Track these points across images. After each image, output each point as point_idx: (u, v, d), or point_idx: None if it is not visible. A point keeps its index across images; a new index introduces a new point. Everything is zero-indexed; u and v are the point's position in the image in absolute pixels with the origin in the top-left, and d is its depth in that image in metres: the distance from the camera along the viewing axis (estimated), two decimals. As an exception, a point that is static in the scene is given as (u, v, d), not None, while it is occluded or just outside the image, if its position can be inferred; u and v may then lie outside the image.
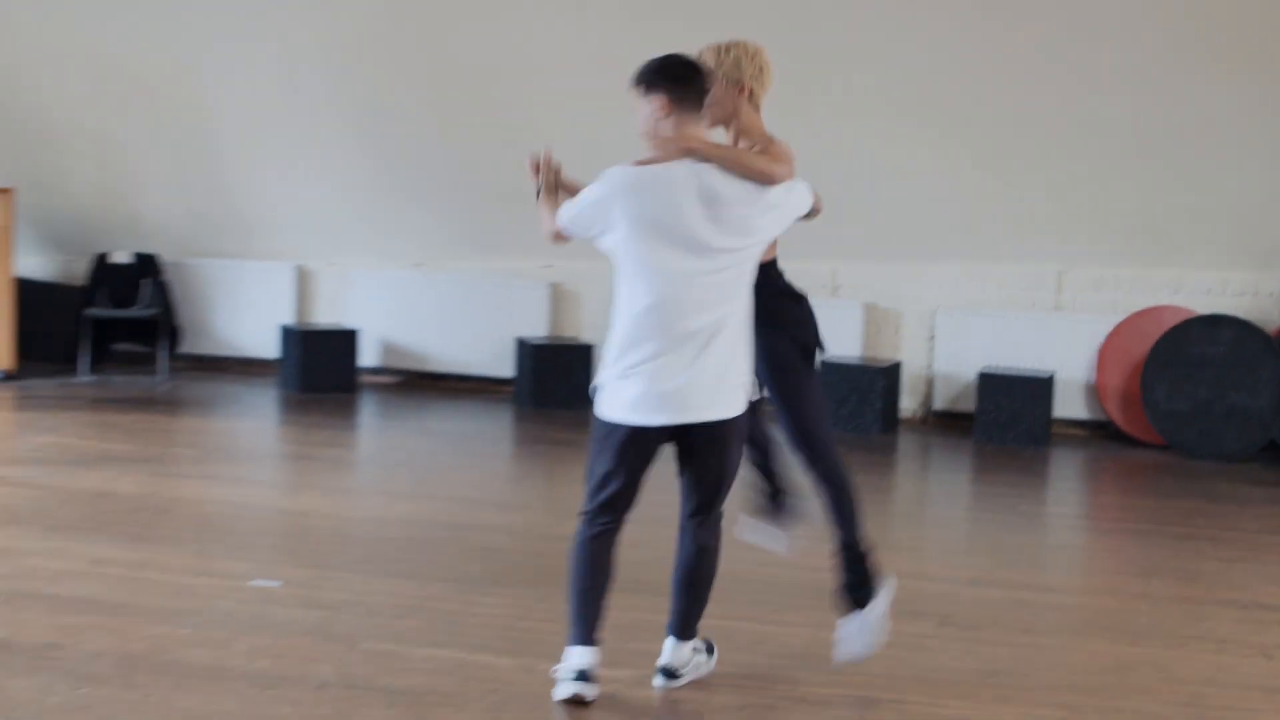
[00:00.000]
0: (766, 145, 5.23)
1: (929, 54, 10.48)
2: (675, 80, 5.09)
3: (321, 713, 4.95)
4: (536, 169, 5.47)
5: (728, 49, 5.53)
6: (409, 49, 11.26)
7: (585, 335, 12.22)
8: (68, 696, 5.00)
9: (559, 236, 5.26)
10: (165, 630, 5.76)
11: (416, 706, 5.03)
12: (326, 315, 13.00)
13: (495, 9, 10.85)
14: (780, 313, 5.45)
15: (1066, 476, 10.31)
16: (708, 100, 5.16)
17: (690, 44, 10.76)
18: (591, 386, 5.19)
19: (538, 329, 12.30)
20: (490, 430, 10.97)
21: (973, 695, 5.39)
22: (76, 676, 5.20)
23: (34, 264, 13.38)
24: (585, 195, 5.11)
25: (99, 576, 6.48)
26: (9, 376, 11.86)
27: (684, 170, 4.96)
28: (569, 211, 5.15)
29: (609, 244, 5.03)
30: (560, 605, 6.02)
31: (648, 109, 5.09)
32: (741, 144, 5.33)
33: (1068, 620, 6.54)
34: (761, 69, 5.50)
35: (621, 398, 4.96)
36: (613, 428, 5.00)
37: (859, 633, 5.61)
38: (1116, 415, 11.28)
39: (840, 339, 11.65)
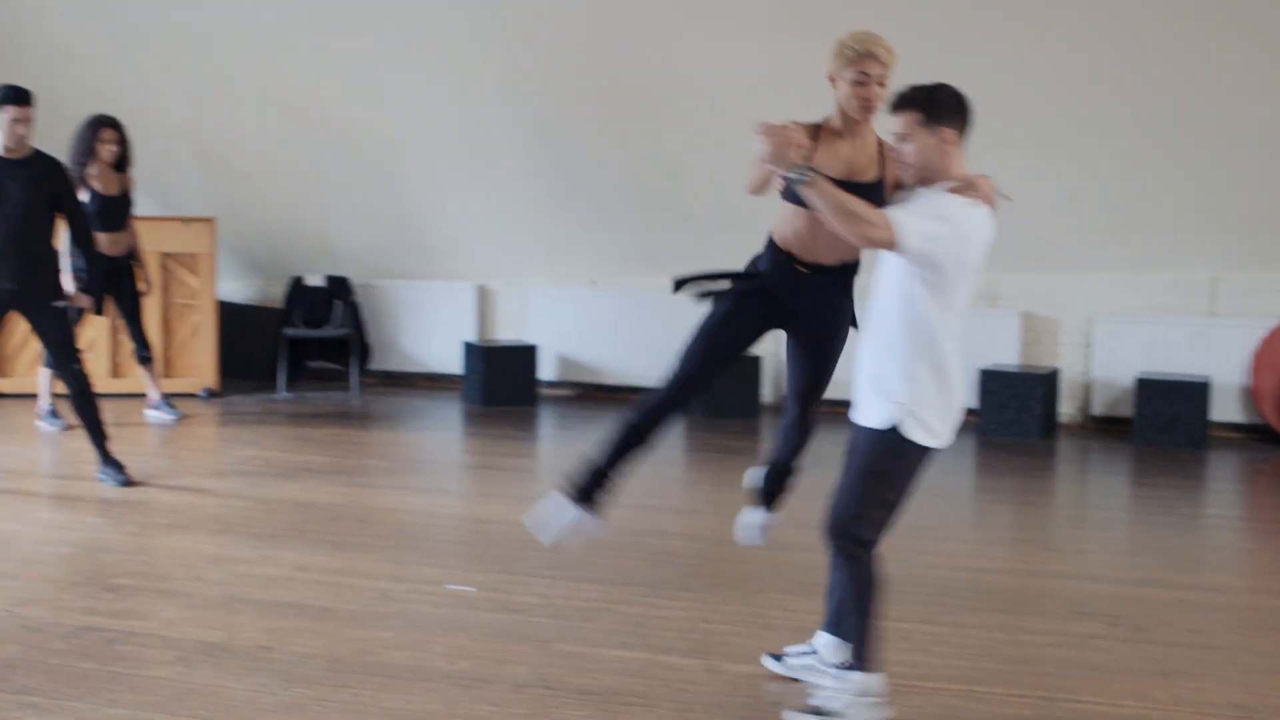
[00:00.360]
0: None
1: (1083, 66, 10.30)
2: (964, 113, 4.77)
3: (520, 712, 4.96)
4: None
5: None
6: (581, 74, 11.30)
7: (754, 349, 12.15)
8: (282, 696, 5.06)
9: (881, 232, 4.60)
10: (369, 633, 5.82)
11: (609, 706, 5.03)
12: (506, 332, 13.09)
13: (665, 33, 10.85)
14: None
15: (1225, 479, 10.06)
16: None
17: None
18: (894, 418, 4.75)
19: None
20: (663, 440, 10.93)
21: (1147, 695, 5.27)
22: (289, 678, 5.26)
23: (234, 288, 13.63)
24: (943, 227, 4.63)
25: (305, 583, 6.56)
26: (213, 394, 12.08)
27: (985, 212, 4.81)
28: (923, 229, 4.59)
29: (934, 276, 4.66)
30: (740, 609, 6.02)
31: (929, 140, 4.70)
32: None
33: (1236, 621, 6.37)
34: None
35: (935, 424, 4.73)
36: (922, 453, 4.76)
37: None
38: (1272, 418, 11.00)
39: (999, 347, 11.52)
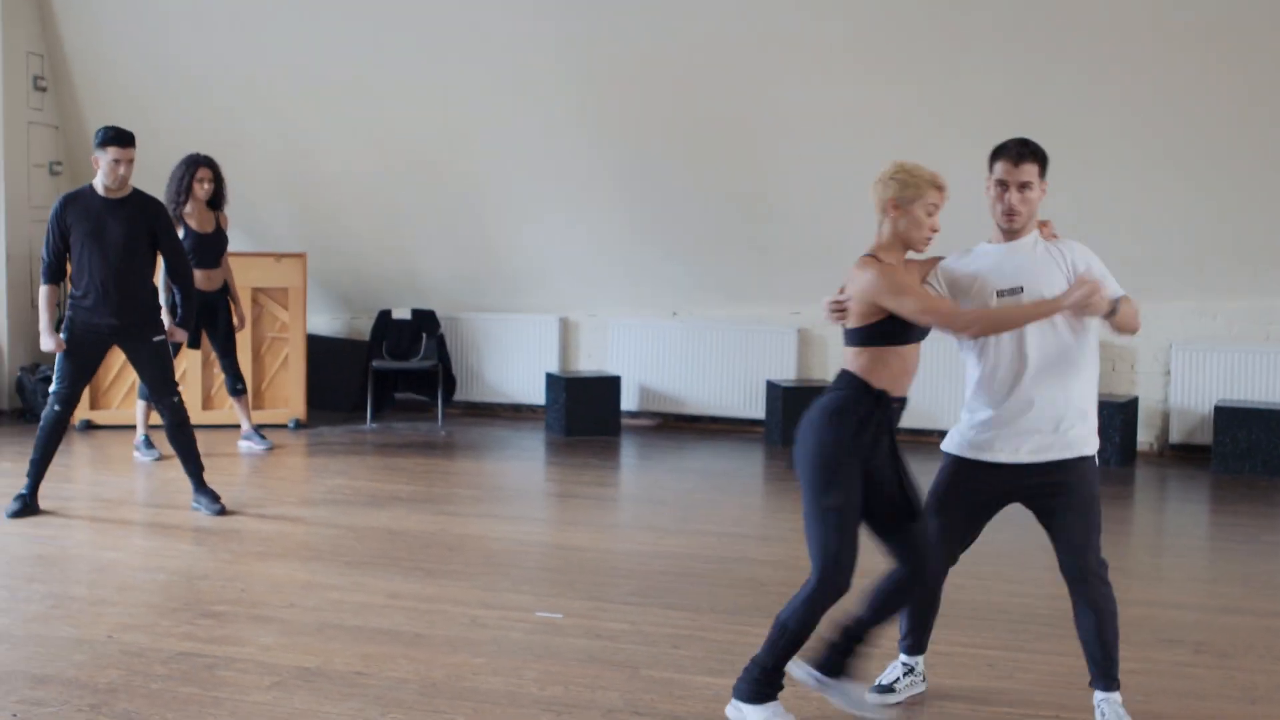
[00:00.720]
0: None
1: (1158, 95, 10.25)
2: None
3: (611, 737, 4.97)
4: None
5: None
6: (663, 108, 11.34)
7: (831, 376, 12.14)
8: (378, 721, 5.10)
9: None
10: (461, 659, 5.84)
11: (700, 731, 5.03)
12: (588, 363, 13.11)
13: (745, 67, 10.89)
14: None
15: (1306, 505, 9.95)
16: None
17: (939, 100, 10.74)
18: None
19: (786, 371, 12.26)
20: (744, 468, 10.94)
21: (1235, 721, 5.23)
22: (383, 703, 5.28)
23: (323, 321, 13.73)
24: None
25: (397, 609, 6.59)
26: (301, 425, 12.16)
27: None
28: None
29: None
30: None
31: (1039, 193, 5.17)
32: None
33: (1322, 647, 6.30)
34: None
35: None
36: None
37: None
38: (1352, 445, 10.88)
39: (1077, 376, 11.41)
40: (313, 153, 12.52)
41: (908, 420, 11.39)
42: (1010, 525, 8.63)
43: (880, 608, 5.16)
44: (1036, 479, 5.16)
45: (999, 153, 5.19)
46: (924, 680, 5.58)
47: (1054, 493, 5.10)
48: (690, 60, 11.00)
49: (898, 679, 5.53)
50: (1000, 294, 5.06)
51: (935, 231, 5.09)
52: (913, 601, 5.32)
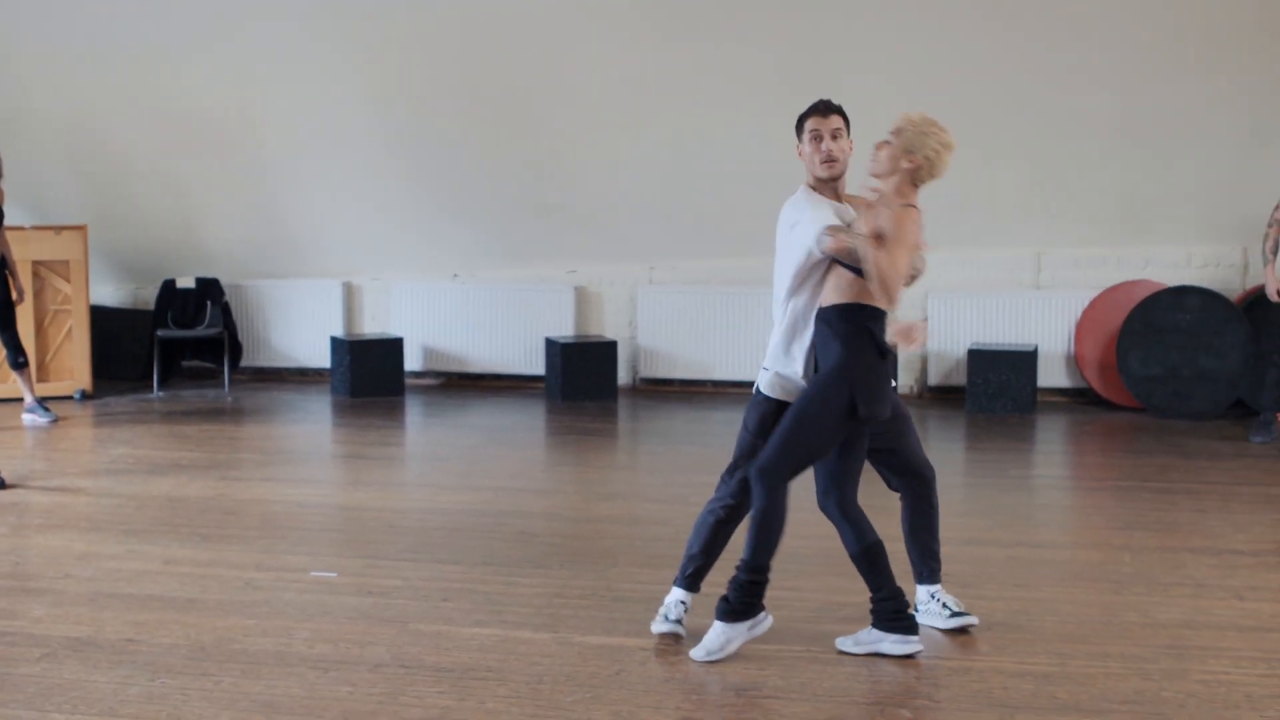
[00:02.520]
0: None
1: (919, 55, 10.43)
2: None
3: (377, 692, 4.92)
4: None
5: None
6: (444, 75, 11.21)
7: (609, 333, 12.19)
8: (145, 687, 4.99)
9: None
10: (233, 622, 5.74)
11: (463, 681, 5.01)
12: (372, 326, 12.97)
13: (525, 32, 10.80)
14: None
15: (1052, 440, 10.23)
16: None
17: (715, 67, 10.80)
18: None
19: (565, 329, 12.26)
20: (525, 423, 10.92)
21: (972, 648, 5.36)
22: (153, 669, 5.18)
23: (107, 292, 13.39)
24: None
25: (172, 575, 6.46)
26: (87, 396, 11.85)
27: None
28: None
29: None
30: (592, 583, 6.02)
31: (848, 146, 5.52)
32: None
33: (1058, 573, 6.48)
34: None
35: None
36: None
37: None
38: (1095, 382, 11.21)
39: (840, 325, 11.60)
40: (93, 124, 12.14)
41: (681, 371, 11.39)
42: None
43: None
44: None
45: (808, 112, 5.51)
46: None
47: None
48: (470, 26, 10.87)
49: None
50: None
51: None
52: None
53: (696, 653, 5.23)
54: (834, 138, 5.42)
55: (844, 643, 5.35)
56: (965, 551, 6.81)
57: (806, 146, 5.44)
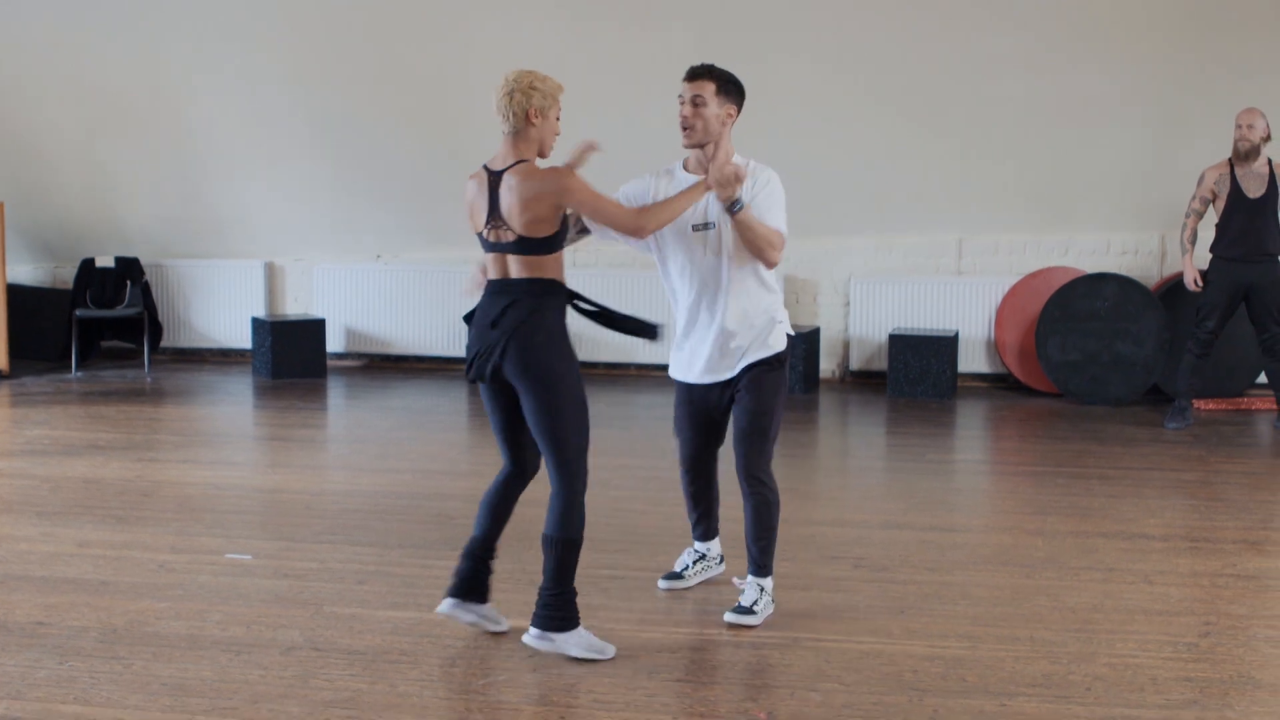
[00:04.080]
0: None
1: (836, 46, 10.48)
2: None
3: (289, 675, 4.90)
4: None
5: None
6: (364, 56, 11.18)
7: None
8: (54, 670, 4.95)
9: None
10: (146, 605, 5.70)
11: (375, 664, 5.00)
12: (294, 307, 12.90)
13: (446, 17, 10.77)
14: None
15: (971, 425, 10.31)
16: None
17: (632, 48, 10.80)
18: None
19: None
20: (446, 405, 10.89)
21: (884, 631, 5.39)
22: (63, 651, 5.14)
23: (24, 270, 13.24)
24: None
25: (85, 558, 6.41)
26: (3, 376, 11.72)
27: None
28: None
29: None
30: (509, 565, 6.01)
31: (717, 111, 5.44)
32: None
33: (970, 557, 6.53)
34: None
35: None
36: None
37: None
38: (1015, 368, 11.31)
39: (763, 309, 11.65)
40: (11, 100, 12.00)
41: (606, 354, 11.40)
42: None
43: (500, 516, 5.33)
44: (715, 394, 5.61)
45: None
46: (720, 562, 6.01)
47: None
48: (390, 7, 10.83)
49: (687, 566, 5.94)
50: (695, 228, 5.41)
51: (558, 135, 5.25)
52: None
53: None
54: (693, 104, 5.40)
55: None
56: (880, 535, 6.88)
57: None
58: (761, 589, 5.48)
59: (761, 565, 5.50)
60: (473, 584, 5.27)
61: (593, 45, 10.75)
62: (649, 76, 10.79)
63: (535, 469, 5.37)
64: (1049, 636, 5.34)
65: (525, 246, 5.02)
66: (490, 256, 5.13)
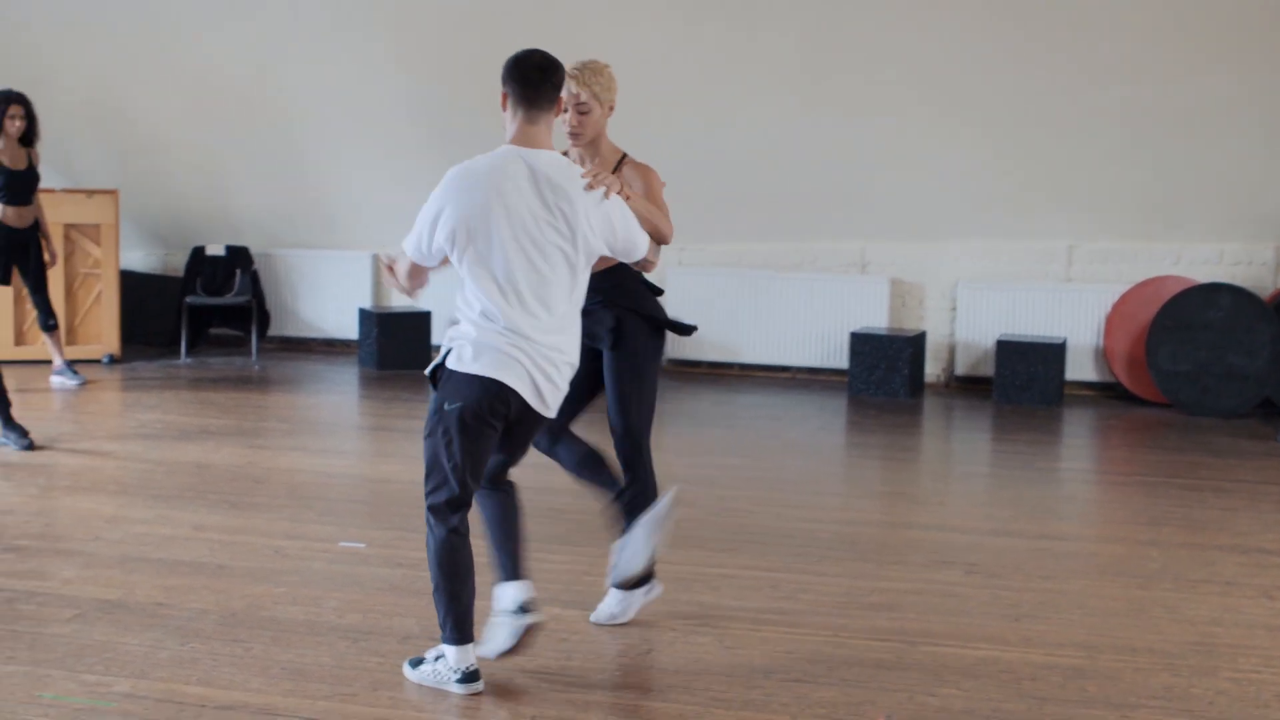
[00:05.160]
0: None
1: (946, 50, 10.39)
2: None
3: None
4: None
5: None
6: (471, 46, 11.13)
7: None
8: (176, 651, 5.01)
9: None
10: (263, 589, 5.76)
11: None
12: (400, 298, 12.98)
13: (553, 11, 10.78)
14: None
15: (1078, 434, 10.21)
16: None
17: (741, 50, 10.72)
18: None
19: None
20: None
21: (1000, 638, 5.34)
22: (183, 633, 5.20)
23: (137, 257, 13.43)
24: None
25: (201, 541, 6.49)
26: (115, 360, 11.90)
27: None
28: None
29: None
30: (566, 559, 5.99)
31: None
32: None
33: (1083, 566, 6.46)
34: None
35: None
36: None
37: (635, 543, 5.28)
38: (1123, 377, 11.17)
39: (869, 311, 11.60)
40: (127, 90, 12.17)
41: (709, 353, 11.40)
42: (800, 455, 8.78)
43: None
44: None
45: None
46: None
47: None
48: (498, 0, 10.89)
49: None
50: None
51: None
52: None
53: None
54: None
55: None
56: (991, 542, 6.82)
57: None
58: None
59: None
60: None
61: (700, 45, 10.73)
62: (755, 79, 10.81)
63: None
64: (1168, 649, 5.27)
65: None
66: None
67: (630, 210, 4.81)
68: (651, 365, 5.36)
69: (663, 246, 5.09)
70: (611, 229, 4.70)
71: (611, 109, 5.27)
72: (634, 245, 4.81)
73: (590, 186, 4.67)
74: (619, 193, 4.76)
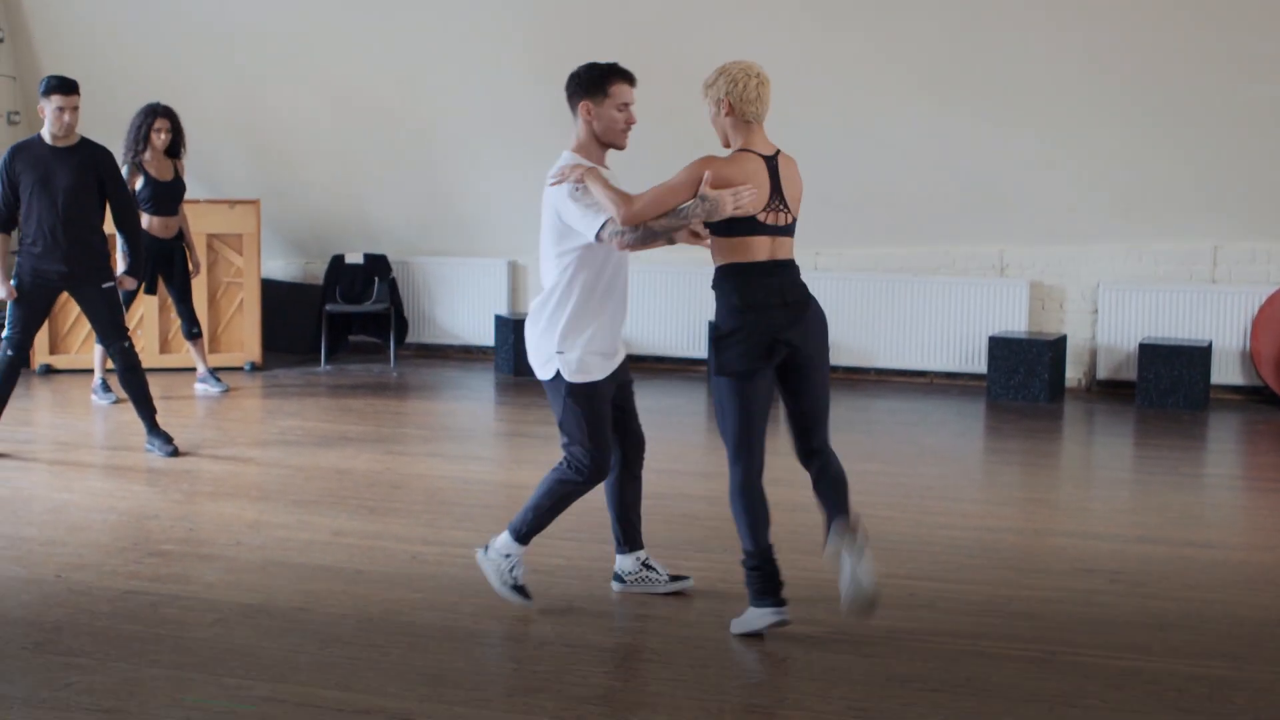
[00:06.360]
0: None
1: (1086, 52, 10.22)
2: None
3: (542, 669, 4.94)
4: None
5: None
6: (609, 54, 11.09)
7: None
8: (316, 655, 5.06)
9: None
10: (400, 594, 5.81)
11: (627, 663, 5.04)
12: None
13: (690, 14, 10.77)
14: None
15: (1224, 439, 9.98)
16: None
17: (878, 52, 10.61)
18: None
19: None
20: (686, 405, 10.90)
21: (1145, 648, 5.23)
22: (322, 638, 5.25)
23: (277, 266, 13.64)
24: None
25: (340, 546, 6.55)
26: (256, 368, 12.08)
27: None
28: None
29: None
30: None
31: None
32: None
33: (1231, 576, 6.31)
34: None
35: None
36: None
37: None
38: (1271, 380, 10.90)
39: (1008, 315, 11.46)
40: (266, 101, 12.39)
41: (845, 358, 11.29)
42: (939, 462, 8.68)
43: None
44: None
45: (617, 75, 5.66)
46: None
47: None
48: (636, 7, 10.88)
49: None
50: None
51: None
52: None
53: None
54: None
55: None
56: (1135, 549, 6.68)
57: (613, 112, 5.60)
58: None
59: None
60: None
61: (839, 50, 10.66)
62: (892, 81, 10.72)
63: None
64: (1320, 661, 5.13)
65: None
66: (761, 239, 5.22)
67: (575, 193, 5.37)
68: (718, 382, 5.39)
69: (767, 243, 5.22)
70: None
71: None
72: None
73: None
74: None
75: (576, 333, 5.45)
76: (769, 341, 5.17)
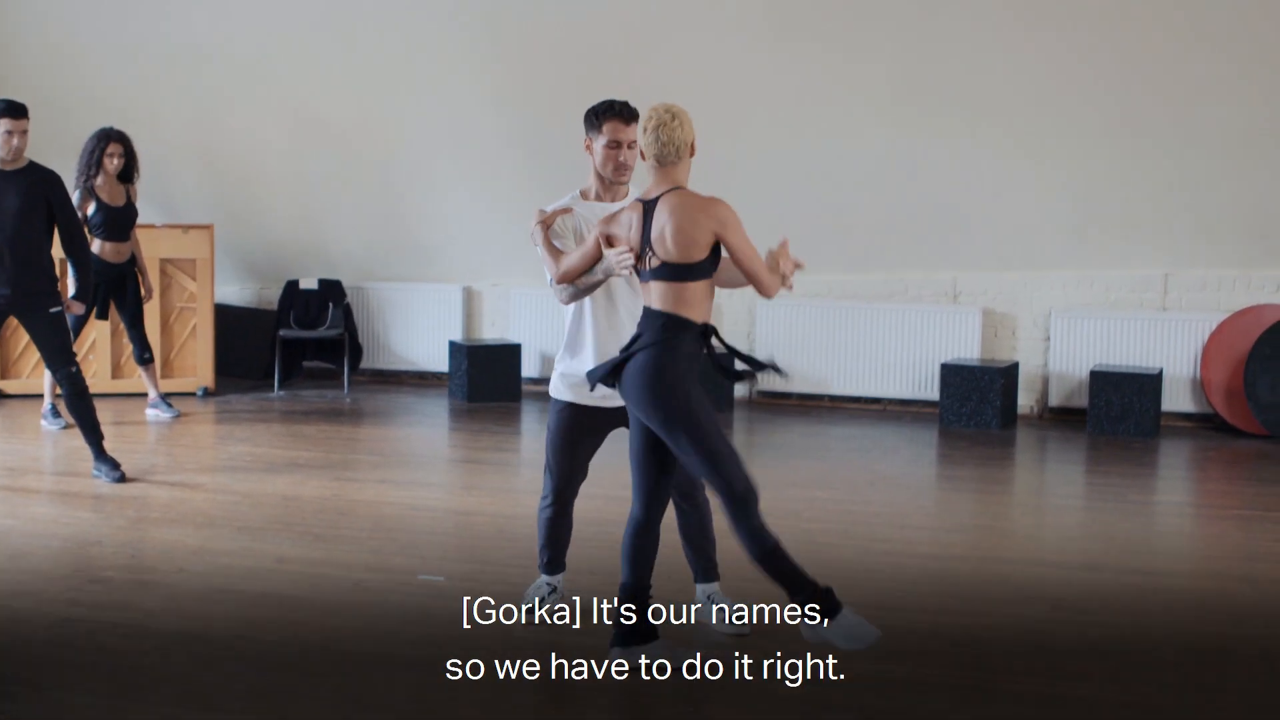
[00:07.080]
0: None
1: (1040, 80, 10.29)
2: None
3: (482, 697, 4.92)
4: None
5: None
6: (567, 79, 11.16)
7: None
8: (252, 683, 5.04)
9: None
10: (341, 622, 5.77)
11: (566, 690, 4.98)
12: (491, 331, 13.03)
13: (648, 42, 10.79)
14: None
15: (1175, 466, 10.02)
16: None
17: (832, 75, 10.66)
18: None
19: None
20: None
21: (1085, 676, 5.23)
22: (260, 665, 5.23)
23: (232, 291, 13.58)
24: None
25: (283, 574, 6.51)
26: (209, 393, 12.02)
27: None
28: None
29: None
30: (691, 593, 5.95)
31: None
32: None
33: (1175, 603, 6.31)
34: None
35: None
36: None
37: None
38: (1221, 408, 10.96)
39: (960, 342, 11.49)
40: (224, 124, 12.35)
41: (798, 385, 11.27)
42: (890, 488, 8.67)
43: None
44: None
45: (611, 112, 5.62)
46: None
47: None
48: (594, 29, 10.88)
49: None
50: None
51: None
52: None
53: None
54: (629, 147, 5.60)
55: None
56: (1080, 576, 6.70)
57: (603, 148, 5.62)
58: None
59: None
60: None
61: (792, 74, 10.70)
62: (846, 104, 10.76)
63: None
64: (1256, 689, 5.14)
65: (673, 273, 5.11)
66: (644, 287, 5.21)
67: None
68: None
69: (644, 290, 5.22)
70: None
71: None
72: None
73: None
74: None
75: (567, 353, 5.82)
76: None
